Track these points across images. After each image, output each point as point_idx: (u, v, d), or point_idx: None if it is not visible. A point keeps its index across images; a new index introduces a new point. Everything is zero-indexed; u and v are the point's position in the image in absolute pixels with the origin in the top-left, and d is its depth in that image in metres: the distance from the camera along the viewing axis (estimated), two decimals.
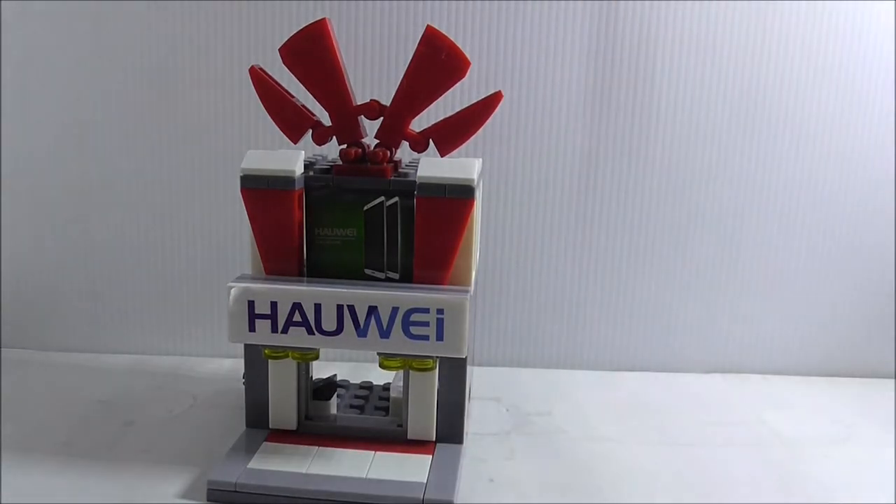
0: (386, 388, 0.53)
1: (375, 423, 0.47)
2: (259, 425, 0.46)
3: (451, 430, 0.46)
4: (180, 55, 0.61)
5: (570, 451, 0.49)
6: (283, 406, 0.46)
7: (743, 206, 0.64)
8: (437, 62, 0.43)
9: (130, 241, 0.63)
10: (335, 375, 0.51)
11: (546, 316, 0.65)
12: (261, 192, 0.43)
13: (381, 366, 0.44)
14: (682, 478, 0.47)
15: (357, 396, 0.52)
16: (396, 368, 0.44)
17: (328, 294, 0.42)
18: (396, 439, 0.46)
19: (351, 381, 0.54)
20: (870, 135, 0.63)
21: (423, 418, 0.45)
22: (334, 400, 0.48)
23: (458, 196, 0.43)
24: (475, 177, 0.43)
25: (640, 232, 0.64)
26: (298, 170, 0.44)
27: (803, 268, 0.65)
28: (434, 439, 0.46)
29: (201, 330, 0.64)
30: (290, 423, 0.46)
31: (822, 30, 0.61)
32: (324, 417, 0.47)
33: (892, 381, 0.65)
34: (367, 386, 0.54)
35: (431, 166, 0.43)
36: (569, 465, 0.48)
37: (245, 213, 0.44)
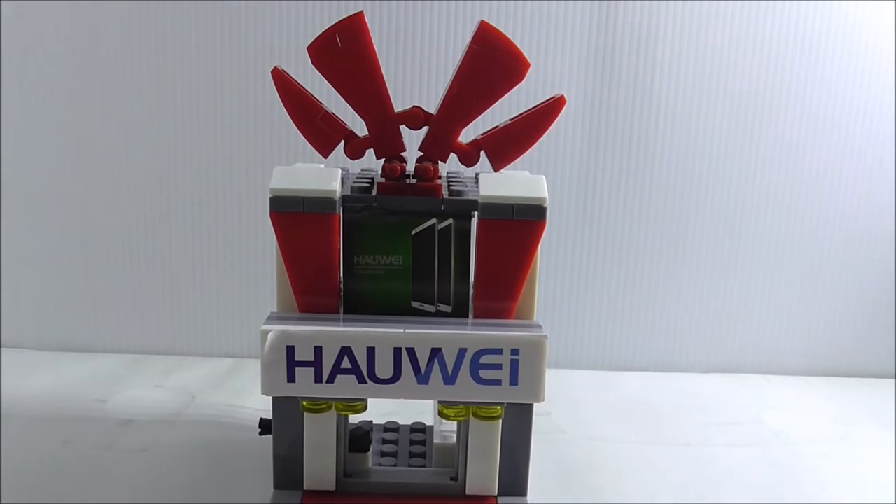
0: (416, 428, 0.47)
1: (426, 476, 0.41)
2: (290, 486, 0.40)
3: (514, 480, 0.40)
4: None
5: (569, 451, 0.49)
6: (320, 464, 0.39)
7: (743, 206, 0.64)
8: (492, 63, 0.38)
9: (129, 239, 0.63)
10: (370, 423, 0.45)
11: (544, 315, 0.63)
12: (295, 216, 0.37)
13: (441, 415, 0.38)
14: (682, 478, 0.47)
15: (385, 441, 0.46)
16: (459, 418, 0.39)
17: (384, 336, 0.35)
18: (451, 495, 0.40)
19: (374, 422, 0.48)
20: (870, 135, 0.63)
21: (484, 470, 0.40)
22: (371, 452, 0.42)
23: (528, 217, 0.37)
24: (546, 195, 0.37)
25: (640, 232, 0.64)
26: (339, 189, 0.37)
27: (803, 268, 0.65)
28: (496, 493, 0.40)
29: (200, 329, 0.63)
30: (329, 482, 0.40)
31: (823, 28, 0.61)
32: (362, 473, 0.41)
33: (892, 380, 0.66)
34: (394, 427, 0.48)
35: (495, 183, 0.38)
36: (568, 465, 0.48)
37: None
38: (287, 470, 0.40)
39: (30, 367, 0.60)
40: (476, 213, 0.38)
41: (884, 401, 0.62)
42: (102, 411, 0.52)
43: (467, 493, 0.40)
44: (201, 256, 0.63)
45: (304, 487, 0.40)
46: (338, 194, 0.37)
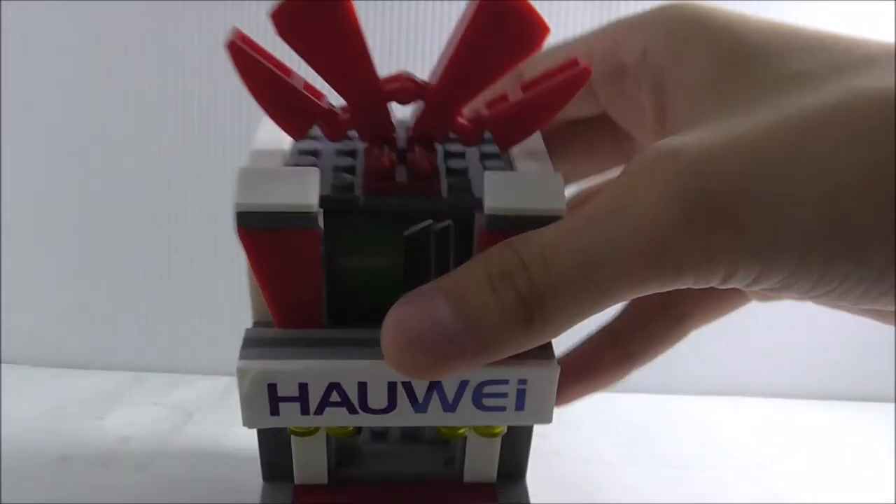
0: None
1: (419, 465, 0.39)
2: (279, 479, 0.38)
3: (514, 465, 0.39)
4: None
5: (566, 474, 0.49)
6: (310, 474, 0.37)
7: None
8: (503, 26, 0.29)
9: (128, 256, 0.61)
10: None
11: None
12: (269, 233, 0.31)
13: (438, 434, 0.36)
14: (680, 501, 0.47)
15: None
16: (456, 439, 0.36)
17: (376, 370, 0.31)
18: (449, 482, 0.39)
19: None
20: None
21: (483, 461, 0.38)
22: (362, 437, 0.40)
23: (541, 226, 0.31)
24: (565, 203, 0.31)
25: None
26: (317, 198, 0.31)
27: None
28: (495, 480, 0.39)
29: (198, 347, 0.62)
30: (321, 477, 0.38)
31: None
32: (355, 457, 0.39)
33: (892, 405, 0.63)
34: None
35: (502, 188, 0.31)
36: (565, 487, 0.47)
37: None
38: (276, 465, 0.38)
39: (27, 383, 0.59)
40: (480, 213, 0.32)
41: (884, 425, 0.60)
42: (100, 428, 0.52)
43: (466, 480, 0.38)
44: (200, 273, 0.61)
45: (295, 482, 0.38)
46: (316, 206, 0.31)
